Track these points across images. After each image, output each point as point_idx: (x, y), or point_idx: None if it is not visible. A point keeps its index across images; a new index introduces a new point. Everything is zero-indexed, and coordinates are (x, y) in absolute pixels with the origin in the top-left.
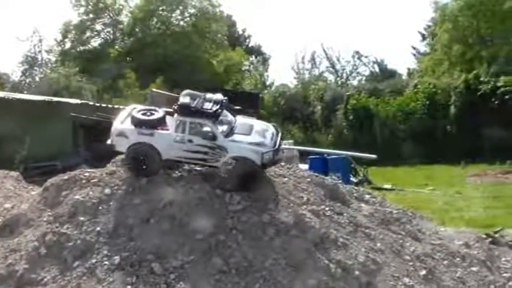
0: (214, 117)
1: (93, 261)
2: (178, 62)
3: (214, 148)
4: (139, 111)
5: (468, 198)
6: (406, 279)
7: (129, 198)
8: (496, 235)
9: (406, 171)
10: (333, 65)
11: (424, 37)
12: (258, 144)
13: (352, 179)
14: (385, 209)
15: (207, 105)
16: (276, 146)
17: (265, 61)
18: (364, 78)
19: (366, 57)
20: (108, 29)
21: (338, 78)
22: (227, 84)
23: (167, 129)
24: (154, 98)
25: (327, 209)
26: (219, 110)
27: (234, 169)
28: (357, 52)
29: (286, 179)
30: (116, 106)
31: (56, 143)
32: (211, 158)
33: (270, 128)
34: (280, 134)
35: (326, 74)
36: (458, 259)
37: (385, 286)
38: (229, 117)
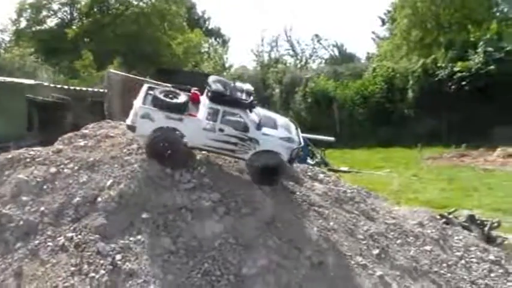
0: (248, 108)
1: (36, 242)
2: (136, 43)
3: (245, 140)
4: (161, 92)
5: (424, 181)
6: (359, 258)
7: (76, 177)
8: (450, 216)
9: (364, 154)
10: (292, 48)
11: (383, 22)
12: (288, 139)
13: (310, 161)
14: (339, 188)
15: (240, 95)
16: (302, 142)
17: (224, 43)
18: (323, 61)
19: (326, 40)
20: (65, 9)
21: (297, 61)
22: (186, 66)
23: (193, 115)
24: (111, 78)
25: (279, 187)
26: (254, 101)
27: (261, 162)
28: (317, 35)
29: None
30: (72, 87)
31: (10, 124)
32: (240, 149)
33: (289, 123)
34: (299, 129)
35: (285, 57)
36: (411, 238)
37: (338, 265)
38: (258, 108)
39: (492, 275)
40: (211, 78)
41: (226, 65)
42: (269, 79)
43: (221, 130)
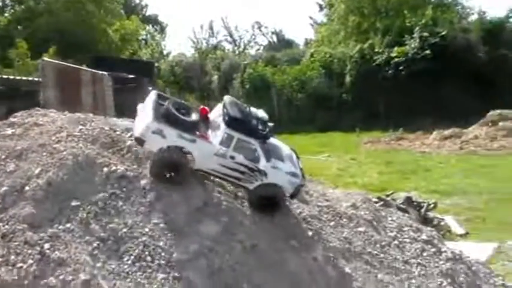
0: (263, 139)
1: None
2: (72, 31)
3: (253, 170)
4: (173, 105)
5: (362, 164)
6: (293, 241)
7: (3, 166)
8: (388, 198)
9: (302, 139)
10: (230, 35)
11: (321, 7)
12: (294, 174)
13: None
14: None
15: (256, 123)
16: (304, 177)
17: (162, 30)
18: (261, 47)
19: (266, 27)
20: None
21: (235, 48)
22: (123, 54)
23: (206, 137)
24: (46, 67)
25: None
26: (270, 133)
27: (264, 193)
28: (257, 22)
29: None
30: (6, 77)
31: None
32: (246, 178)
33: (292, 153)
34: (299, 159)
35: (224, 44)
36: (345, 220)
37: (271, 249)
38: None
39: (424, 254)
40: (227, 100)
41: (164, 52)
42: (207, 66)
43: (232, 157)
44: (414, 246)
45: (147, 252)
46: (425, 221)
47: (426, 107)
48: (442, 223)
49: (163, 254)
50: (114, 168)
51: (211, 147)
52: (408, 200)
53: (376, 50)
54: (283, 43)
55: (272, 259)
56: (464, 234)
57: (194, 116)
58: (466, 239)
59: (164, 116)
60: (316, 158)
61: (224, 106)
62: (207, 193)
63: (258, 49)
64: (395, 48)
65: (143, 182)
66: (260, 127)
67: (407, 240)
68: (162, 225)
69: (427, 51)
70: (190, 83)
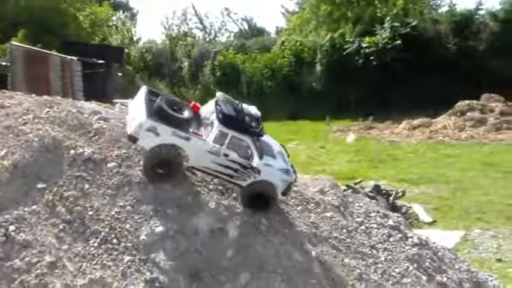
0: (257, 136)
1: None
2: (42, 15)
3: (246, 168)
4: (165, 102)
5: (332, 153)
6: (260, 226)
7: None
8: (356, 186)
9: (272, 127)
10: (201, 21)
11: None
12: (286, 171)
13: None
14: None
15: (249, 121)
16: (296, 173)
17: (132, 16)
18: (232, 35)
19: (236, 13)
20: None
21: (206, 35)
22: (93, 39)
23: (199, 134)
24: (14, 51)
25: None
26: (263, 133)
27: (256, 190)
28: (227, 9)
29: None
30: None
31: None
32: (239, 176)
33: (283, 150)
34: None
35: (194, 31)
36: (312, 205)
37: (238, 233)
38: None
39: (391, 239)
40: (220, 97)
41: (135, 38)
42: (178, 52)
43: (225, 155)
44: (381, 232)
45: (113, 235)
46: (394, 209)
47: (396, 96)
48: (410, 211)
49: (129, 236)
50: (80, 150)
51: (205, 145)
52: (377, 188)
53: (347, 39)
54: (254, 31)
55: (239, 243)
56: (432, 222)
57: (187, 113)
58: (433, 227)
59: (157, 113)
60: (286, 146)
61: (217, 103)
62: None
63: (229, 36)
64: (366, 38)
65: (110, 164)
66: (253, 124)
67: (374, 225)
68: (128, 207)
69: (398, 42)
70: (160, 69)
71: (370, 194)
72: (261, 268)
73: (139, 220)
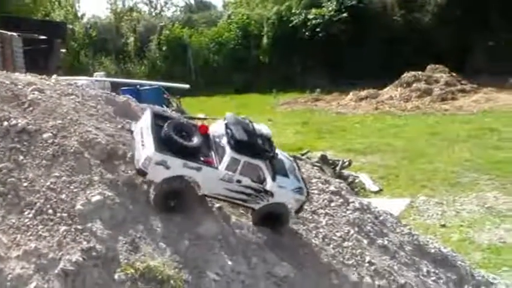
0: (270, 159)
1: None
2: None
3: (260, 191)
4: (174, 128)
5: (279, 125)
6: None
7: None
8: (303, 157)
9: (220, 101)
10: None
11: None
12: (299, 191)
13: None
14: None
15: (261, 143)
16: (308, 191)
17: None
18: (178, 9)
19: None
20: None
21: (152, 9)
22: (35, 15)
23: (211, 162)
24: None
25: (116, 125)
26: (276, 153)
27: (269, 210)
28: None
29: (73, 96)
30: None
31: None
32: (252, 200)
33: (294, 164)
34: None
35: (140, 5)
36: None
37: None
38: None
39: (332, 204)
40: (230, 120)
41: (79, 14)
42: (123, 28)
43: (238, 181)
44: (322, 197)
45: (48, 205)
46: (340, 178)
47: (343, 68)
48: (357, 180)
49: (65, 206)
50: (14, 122)
51: (216, 173)
52: (323, 158)
53: (294, 11)
54: (200, 5)
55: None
56: (378, 191)
57: (196, 139)
58: (380, 195)
59: (166, 144)
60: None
61: (227, 127)
62: (112, 144)
63: (175, 11)
64: (313, 10)
65: (45, 135)
66: (266, 146)
67: (316, 191)
68: (64, 178)
69: (344, 14)
70: (105, 45)
71: (316, 164)
72: (197, 235)
73: (75, 190)
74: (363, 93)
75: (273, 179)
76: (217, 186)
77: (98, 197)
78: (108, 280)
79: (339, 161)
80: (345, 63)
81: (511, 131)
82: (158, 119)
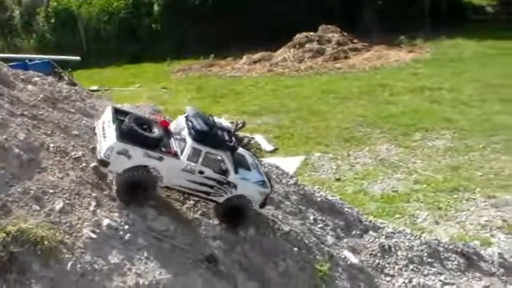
0: (232, 150)
1: None
2: None
3: (222, 183)
4: (134, 121)
5: (174, 92)
6: (73, 152)
7: None
8: None
9: (113, 72)
10: None
11: None
12: (262, 184)
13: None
14: (53, 88)
15: (222, 135)
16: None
17: None
18: None
19: None
20: None
21: None
22: None
23: (172, 152)
24: None
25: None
26: (237, 144)
27: (232, 205)
28: None
29: None
30: None
31: None
32: (216, 192)
33: (256, 160)
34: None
35: None
36: None
37: (49, 162)
38: None
39: None
40: (190, 112)
41: None
42: (7, 0)
43: (201, 172)
44: None
45: None
46: (237, 140)
47: (235, 32)
48: (252, 141)
49: None
50: None
51: (178, 163)
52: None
53: None
54: None
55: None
56: (274, 150)
57: (157, 131)
58: (276, 154)
59: (127, 135)
60: (127, 89)
61: (188, 119)
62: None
63: None
64: None
65: None
66: (227, 138)
67: None
68: None
69: None
70: None
71: None
72: (73, 193)
73: None
74: (256, 56)
75: (236, 171)
76: (179, 177)
77: None
78: None
79: (232, 123)
80: (237, 27)
81: (402, 85)
82: (119, 114)
